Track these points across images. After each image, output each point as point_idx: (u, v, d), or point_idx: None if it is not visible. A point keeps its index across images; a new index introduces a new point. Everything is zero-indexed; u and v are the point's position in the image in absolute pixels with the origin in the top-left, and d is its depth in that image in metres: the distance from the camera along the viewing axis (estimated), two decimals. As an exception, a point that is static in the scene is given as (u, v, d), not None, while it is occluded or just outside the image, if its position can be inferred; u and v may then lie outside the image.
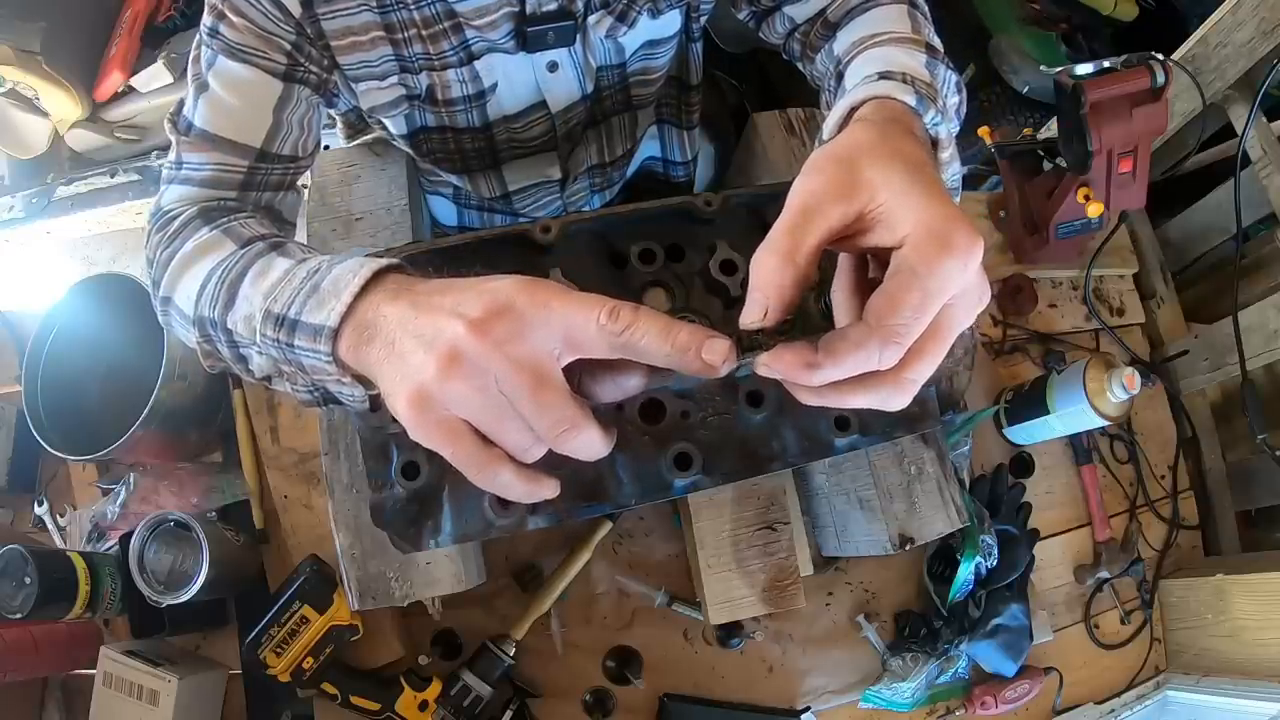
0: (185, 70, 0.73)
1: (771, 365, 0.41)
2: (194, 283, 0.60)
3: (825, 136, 0.53)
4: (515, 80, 0.80)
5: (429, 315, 0.41)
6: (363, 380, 0.48)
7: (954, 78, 0.57)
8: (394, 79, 0.76)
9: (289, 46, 0.69)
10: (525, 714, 0.95)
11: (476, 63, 0.76)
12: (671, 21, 0.84)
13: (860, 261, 0.44)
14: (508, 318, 0.39)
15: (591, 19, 0.78)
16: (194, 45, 0.71)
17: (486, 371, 0.39)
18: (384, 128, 0.86)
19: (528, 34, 0.74)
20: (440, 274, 0.47)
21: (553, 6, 0.73)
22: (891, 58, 0.56)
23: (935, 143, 0.52)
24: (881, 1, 0.66)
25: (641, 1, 0.79)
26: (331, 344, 0.45)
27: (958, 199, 0.51)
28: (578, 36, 0.77)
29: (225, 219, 0.65)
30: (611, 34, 0.81)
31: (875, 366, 0.39)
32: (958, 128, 0.55)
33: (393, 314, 0.43)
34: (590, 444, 0.41)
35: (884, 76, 0.53)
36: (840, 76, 0.61)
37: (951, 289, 0.38)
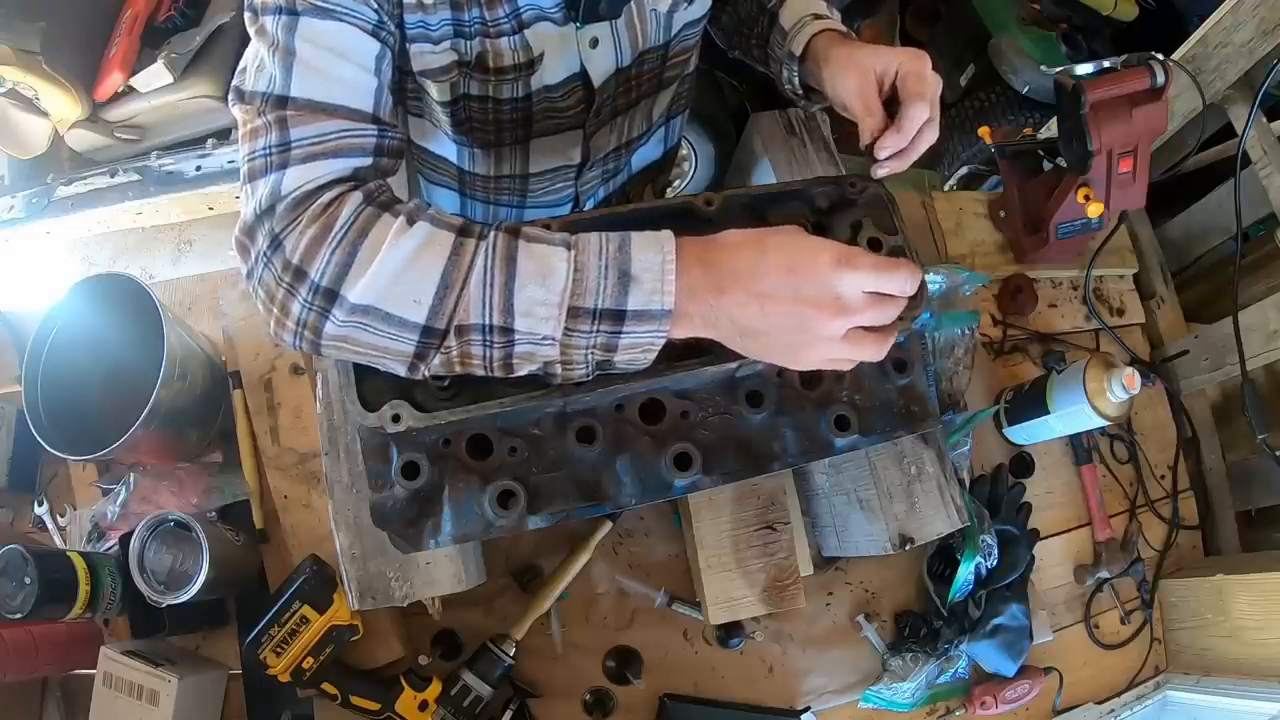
0: (184, 69, 0.71)
1: (881, 145, 0.76)
2: (421, 287, 0.57)
3: (796, 52, 0.86)
4: (559, 53, 0.81)
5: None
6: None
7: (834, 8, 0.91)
8: (448, 44, 0.75)
9: (375, 1, 0.66)
10: (525, 714, 0.95)
11: (527, 31, 0.77)
12: (707, 1, 0.88)
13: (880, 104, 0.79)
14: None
15: None
16: (250, 20, 0.66)
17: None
18: (423, 95, 0.84)
19: (581, 1, 0.75)
20: None
21: None
22: (812, 3, 0.88)
23: None
24: None
25: None
26: (670, 323, 0.58)
27: None
28: (624, 9, 0.79)
29: (399, 202, 0.61)
30: (674, 8, 0.84)
31: (926, 117, 0.75)
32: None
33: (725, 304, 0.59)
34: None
35: (817, 17, 0.86)
36: (774, 17, 0.89)
37: (931, 75, 0.76)
